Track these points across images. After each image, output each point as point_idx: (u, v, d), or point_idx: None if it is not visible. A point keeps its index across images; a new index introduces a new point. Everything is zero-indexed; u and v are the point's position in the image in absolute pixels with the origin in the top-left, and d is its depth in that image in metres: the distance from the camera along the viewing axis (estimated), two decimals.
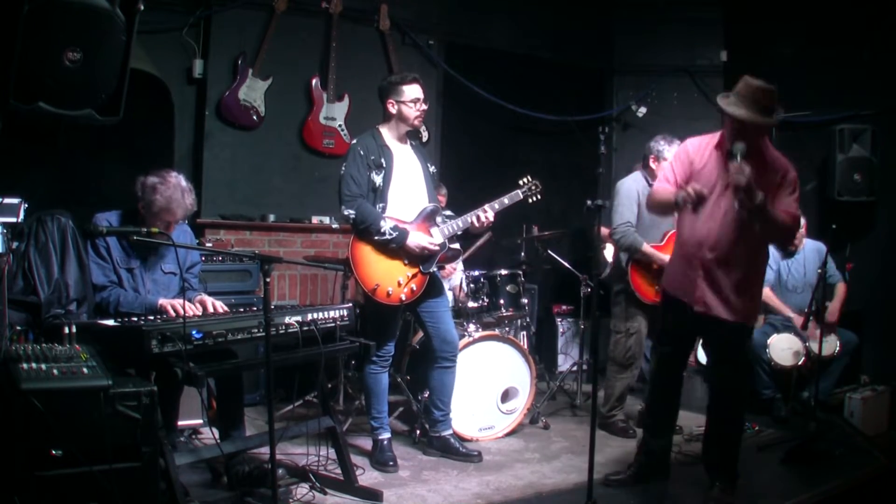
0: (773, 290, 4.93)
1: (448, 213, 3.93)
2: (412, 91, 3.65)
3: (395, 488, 3.37)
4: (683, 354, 3.48)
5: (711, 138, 3.27)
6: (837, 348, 4.65)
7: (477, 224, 3.75)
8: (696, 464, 3.58)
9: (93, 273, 3.11)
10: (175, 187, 3.20)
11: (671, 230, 4.01)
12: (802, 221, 4.91)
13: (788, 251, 4.96)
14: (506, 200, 3.83)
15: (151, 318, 2.85)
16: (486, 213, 3.74)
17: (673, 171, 3.30)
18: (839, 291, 4.87)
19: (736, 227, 3.11)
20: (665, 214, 3.68)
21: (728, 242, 3.13)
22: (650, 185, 4.29)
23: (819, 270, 4.52)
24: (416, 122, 3.70)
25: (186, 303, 2.99)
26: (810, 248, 4.97)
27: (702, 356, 5.05)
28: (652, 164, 4.30)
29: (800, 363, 4.60)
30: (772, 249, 5.01)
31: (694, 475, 3.48)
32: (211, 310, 3.18)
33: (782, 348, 4.67)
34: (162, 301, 3.12)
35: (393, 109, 3.67)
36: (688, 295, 3.25)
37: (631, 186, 4.32)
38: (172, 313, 3.01)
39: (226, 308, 3.23)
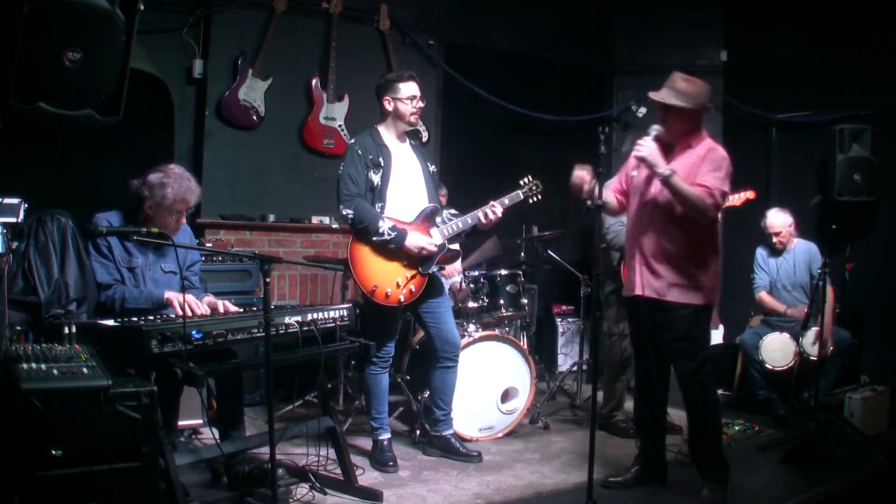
0: (769, 292, 4.94)
1: (453, 211, 3.90)
2: (408, 88, 3.64)
3: (395, 488, 3.38)
4: (655, 359, 3.42)
5: None
6: (830, 348, 4.65)
7: (485, 221, 3.73)
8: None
9: (97, 272, 3.11)
10: (181, 176, 3.23)
11: None
12: (791, 220, 4.92)
13: (776, 249, 4.96)
14: (506, 201, 3.80)
15: (151, 318, 2.85)
16: (495, 209, 3.72)
17: (618, 180, 3.58)
18: (827, 297, 4.76)
19: (663, 218, 3.24)
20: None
21: (658, 233, 3.26)
22: None
23: (819, 270, 4.50)
24: (412, 120, 3.70)
25: (194, 300, 3.02)
26: (800, 249, 4.96)
27: None
28: None
29: (789, 364, 4.60)
30: (761, 249, 5.03)
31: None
32: (222, 311, 3.17)
33: (773, 349, 4.68)
34: (168, 294, 3.13)
35: (389, 107, 3.67)
36: (633, 286, 3.37)
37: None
38: (178, 308, 3.01)
39: (236, 308, 3.22)
